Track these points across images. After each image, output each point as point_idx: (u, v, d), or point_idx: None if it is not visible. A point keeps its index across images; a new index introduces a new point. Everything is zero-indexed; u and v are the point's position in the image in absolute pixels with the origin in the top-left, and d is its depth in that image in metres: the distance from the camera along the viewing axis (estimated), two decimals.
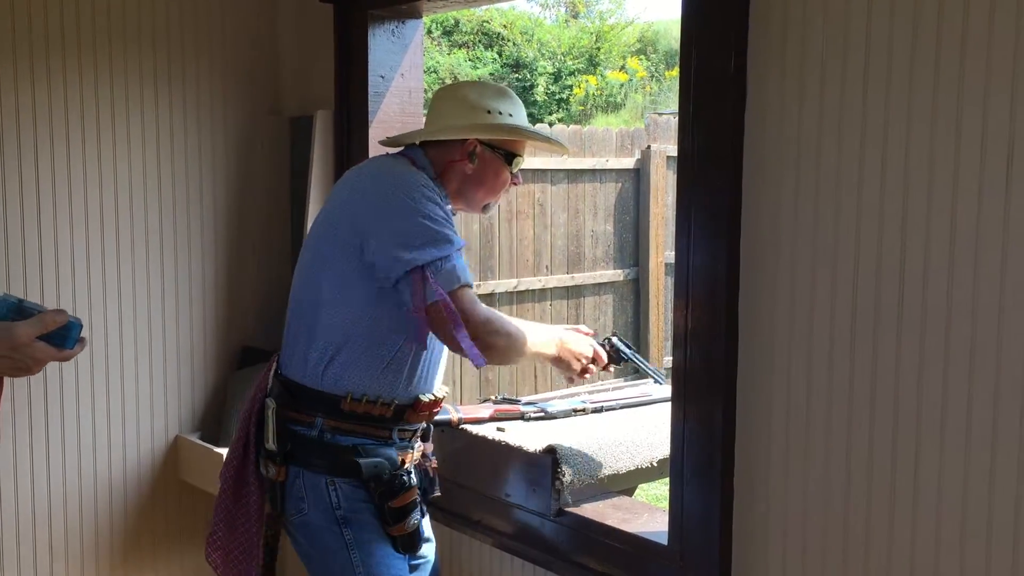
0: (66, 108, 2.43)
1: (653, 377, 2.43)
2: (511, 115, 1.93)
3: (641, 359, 2.22)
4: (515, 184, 1.99)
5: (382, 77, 2.44)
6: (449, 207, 1.85)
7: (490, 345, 1.74)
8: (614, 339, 2.18)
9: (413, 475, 1.86)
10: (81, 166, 2.47)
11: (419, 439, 1.93)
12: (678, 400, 1.76)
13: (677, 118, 1.78)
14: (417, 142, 1.94)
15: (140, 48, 2.52)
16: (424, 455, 1.95)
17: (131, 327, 2.58)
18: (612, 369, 2.13)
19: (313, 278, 1.84)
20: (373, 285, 1.76)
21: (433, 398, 1.90)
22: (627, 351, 2.16)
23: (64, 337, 1.44)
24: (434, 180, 1.85)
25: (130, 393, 2.60)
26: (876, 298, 1.48)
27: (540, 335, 1.93)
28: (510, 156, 1.93)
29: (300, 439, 1.82)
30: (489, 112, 1.90)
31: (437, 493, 1.97)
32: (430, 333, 1.78)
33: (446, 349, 1.88)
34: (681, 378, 1.75)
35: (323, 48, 2.55)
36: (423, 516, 1.91)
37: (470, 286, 1.76)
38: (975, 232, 1.37)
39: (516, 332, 1.82)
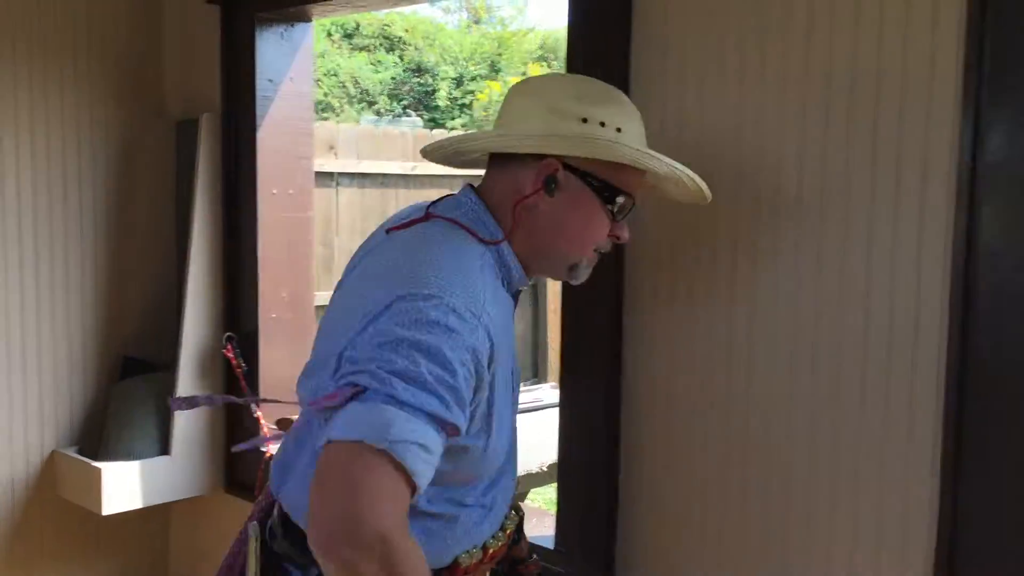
0: None
1: None
2: (619, 129, 1.25)
3: None
4: (618, 240, 1.31)
5: (271, 81, 2.40)
6: (524, 283, 1.30)
7: (338, 559, 0.97)
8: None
9: None
10: None
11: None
12: (564, 404, 1.78)
13: None
14: (480, 153, 1.33)
15: (14, 45, 2.41)
16: (515, 561, 1.44)
17: (2, 335, 2.46)
18: None
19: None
20: None
21: (480, 556, 1.30)
22: None
23: None
24: (495, 241, 1.24)
25: (2, 405, 2.48)
26: (753, 293, 1.54)
27: None
28: (613, 192, 1.26)
29: None
30: (585, 120, 1.23)
31: None
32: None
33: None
34: (568, 383, 1.78)
35: (210, 50, 2.49)
36: None
37: (400, 460, 1.00)
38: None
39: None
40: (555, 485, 2.00)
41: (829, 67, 1.42)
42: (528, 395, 2.55)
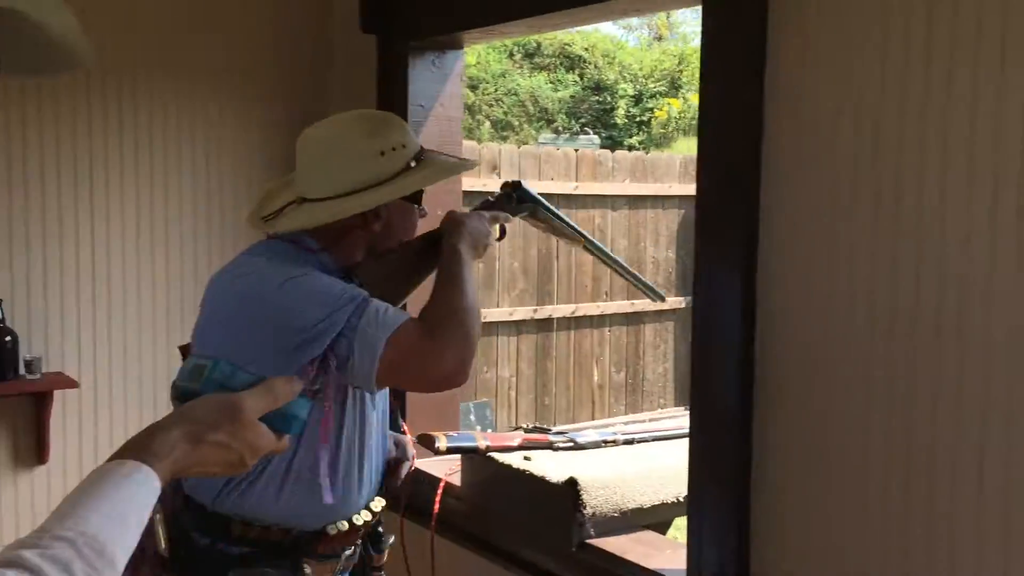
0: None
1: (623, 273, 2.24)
2: (404, 145, 1.53)
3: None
4: (423, 216, 1.65)
5: (421, 106, 2.48)
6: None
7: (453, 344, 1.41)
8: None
9: None
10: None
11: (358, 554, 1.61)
12: (695, 436, 1.73)
13: None
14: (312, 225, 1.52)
15: (193, 77, 2.65)
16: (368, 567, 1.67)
17: None
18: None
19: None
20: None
21: (346, 528, 1.52)
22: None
23: (287, 418, 0.96)
24: (328, 261, 1.52)
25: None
26: (889, 346, 1.43)
27: (464, 276, 1.53)
28: (418, 194, 1.61)
29: (193, 546, 1.47)
30: (383, 154, 1.49)
31: None
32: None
33: (371, 449, 1.57)
34: (697, 413, 1.72)
35: (367, 78, 2.60)
36: None
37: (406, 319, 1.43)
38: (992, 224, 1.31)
39: (463, 307, 1.47)
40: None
41: None
42: (671, 422, 2.49)
